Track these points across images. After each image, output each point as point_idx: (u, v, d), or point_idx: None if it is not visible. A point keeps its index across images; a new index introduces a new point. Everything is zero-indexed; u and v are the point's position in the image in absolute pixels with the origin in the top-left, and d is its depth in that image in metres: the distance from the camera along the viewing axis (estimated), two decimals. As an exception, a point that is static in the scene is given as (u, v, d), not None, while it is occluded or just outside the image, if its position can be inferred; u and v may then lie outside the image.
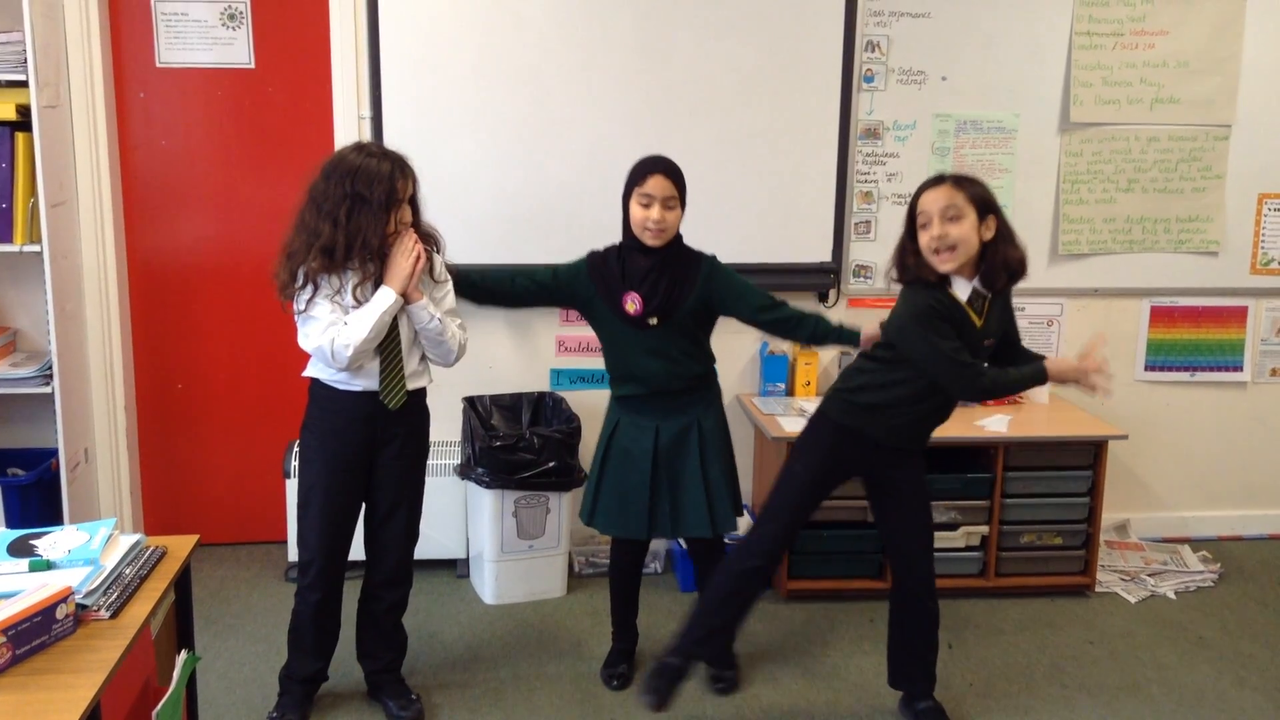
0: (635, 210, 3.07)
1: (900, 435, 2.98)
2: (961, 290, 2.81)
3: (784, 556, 3.07)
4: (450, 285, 3.07)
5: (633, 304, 3.09)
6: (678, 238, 3.12)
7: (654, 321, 3.09)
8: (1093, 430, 4.01)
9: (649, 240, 3.06)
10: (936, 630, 3.12)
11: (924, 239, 2.78)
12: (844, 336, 3.21)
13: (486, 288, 3.27)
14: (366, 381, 2.94)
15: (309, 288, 2.84)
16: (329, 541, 3.04)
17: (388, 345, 2.92)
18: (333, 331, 2.83)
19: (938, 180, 2.80)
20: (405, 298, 2.87)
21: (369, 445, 3.01)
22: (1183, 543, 4.50)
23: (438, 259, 3.02)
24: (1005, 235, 2.80)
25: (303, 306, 2.86)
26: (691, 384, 3.19)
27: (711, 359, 3.26)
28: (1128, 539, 4.49)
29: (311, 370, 3.00)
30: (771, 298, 3.18)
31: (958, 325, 2.79)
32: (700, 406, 3.20)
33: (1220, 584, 4.18)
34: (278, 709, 3.13)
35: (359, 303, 2.84)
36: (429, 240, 2.99)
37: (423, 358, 3.05)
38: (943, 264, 2.77)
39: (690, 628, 3.09)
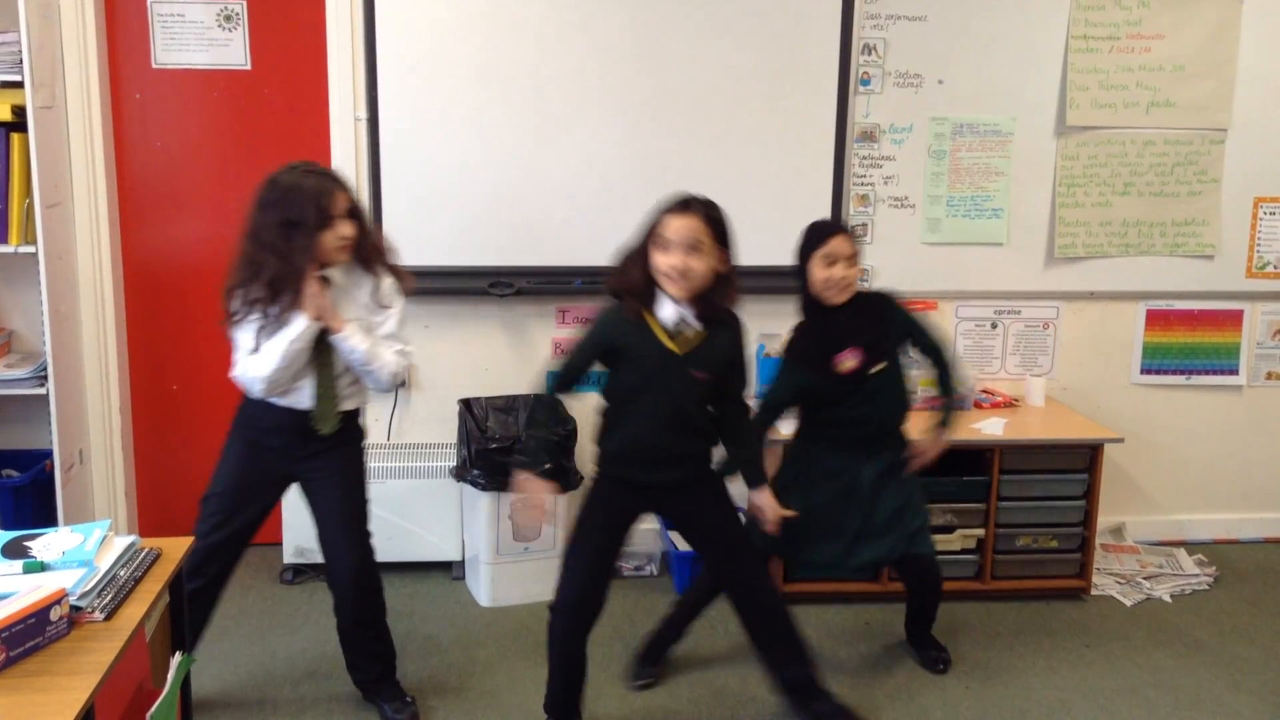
0: (818, 271, 3.13)
1: (648, 470, 2.91)
2: (662, 309, 2.78)
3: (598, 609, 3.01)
4: (396, 310, 3.01)
5: (852, 360, 3.12)
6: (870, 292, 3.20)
7: (882, 366, 3.15)
8: (1088, 433, 4.01)
9: (835, 297, 3.12)
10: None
11: (661, 262, 2.73)
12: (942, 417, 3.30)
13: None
14: (298, 400, 2.91)
15: (246, 314, 2.83)
16: (218, 538, 2.97)
17: (322, 370, 2.89)
18: (246, 361, 2.86)
19: (686, 206, 2.76)
20: (328, 327, 2.85)
21: (290, 461, 2.99)
22: (1178, 546, 4.51)
23: (386, 282, 2.98)
24: (731, 276, 2.81)
25: (233, 324, 2.86)
26: (905, 418, 3.27)
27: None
28: (1123, 542, 4.50)
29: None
30: (945, 343, 3.30)
31: (629, 343, 2.78)
32: (893, 437, 3.28)
33: (1216, 587, 4.18)
34: None
35: (289, 320, 2.82)
36: (379, 255, 2.95)
37: (354, 380, 3.00)
38: (676, 289, 2.74)
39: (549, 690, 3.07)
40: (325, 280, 2.85)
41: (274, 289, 2.77)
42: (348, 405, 3.00)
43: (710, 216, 2.76)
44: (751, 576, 3.06)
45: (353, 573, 3.06)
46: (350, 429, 3.06)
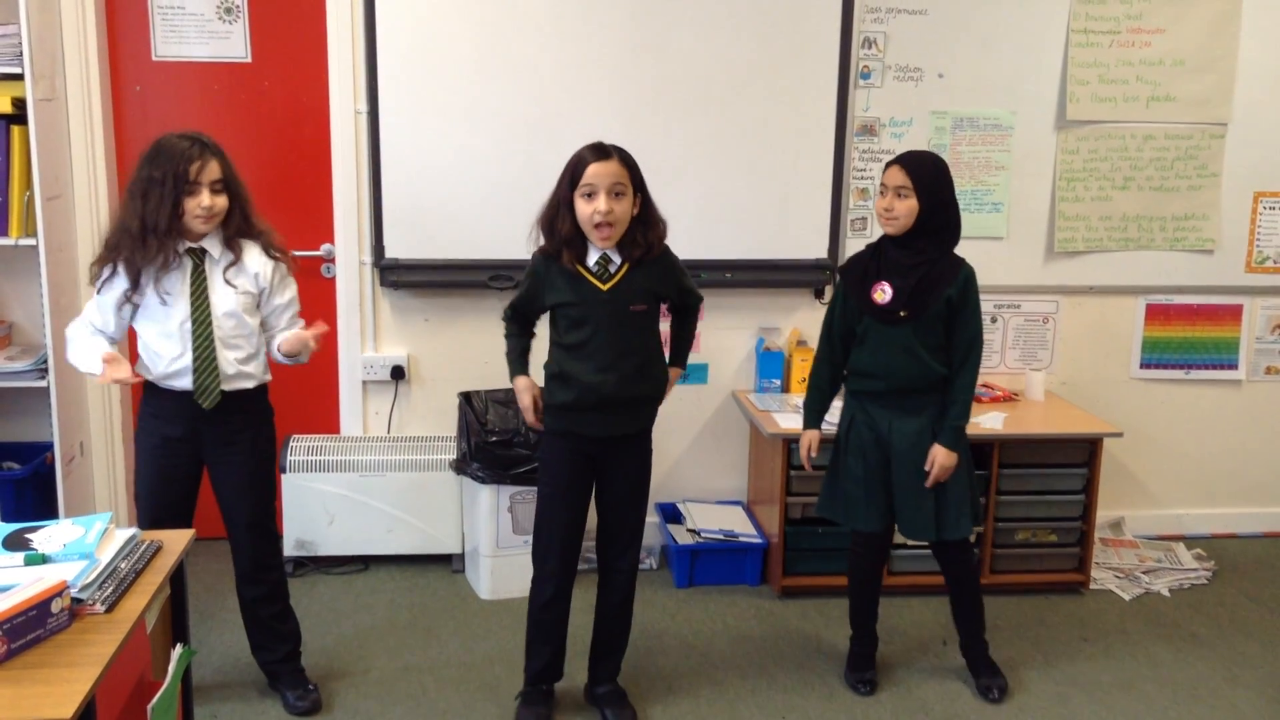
0: (877, 200, 3.19)
1: (606, 419, 2.96)
2: (590, 256, 2.89)
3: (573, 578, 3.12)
4: (292, 293, 3.07)
5: (881, 293, 3.10)
6: (932, 233, 3.09)
7: (903, 315, 3.09)
8: (1088, 428, 4.01)
9: (885, 227, 3.12)
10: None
11: (586, 210, 2.81)
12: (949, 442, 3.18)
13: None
14: (182, 382, 2.91)
15: (111, 274, 2.85)
16: (154, 515, 2.99)
17: (200, 346, 2.88)
18: (77, 329, 2.92)
19: (605, 152, 2.83)
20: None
21: (193, 439, 2.98)
22: (1177, 540, 4.52)
23: (270, 266, 2.99)
24: (649, 209, 2.92)
25: (96, 291, 2.90)
26: (933, 384, 3.15)
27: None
28: (1122, 536, 4.50)
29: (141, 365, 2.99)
30: (977, 343, 3.15)
31: (565, 289, 2.88)
32: (935, 409, 3.15)
33: (1214, 581, 4.19)
34: None
35: (160, 297, 2.85)
36: (252, 234, 2.95)
37: (248, 358, 2.97)
38: (603, 237, 2.83)
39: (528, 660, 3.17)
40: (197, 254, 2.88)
41: (125, 252, 2.80)
42: (235, 385, 2.95)
43: (626, 161, 2.85)
44: (626, 571, 3.13)
45: (252, 550, 3.10)
46: (255, 409, 3.05)
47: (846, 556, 3.37)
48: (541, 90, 3.99)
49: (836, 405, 3.35)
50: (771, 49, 4.05)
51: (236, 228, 2.91)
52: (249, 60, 4.00)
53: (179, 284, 2.87)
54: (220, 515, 3.10)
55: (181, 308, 2.87)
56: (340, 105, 3.98)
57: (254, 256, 2.96)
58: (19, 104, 3.48)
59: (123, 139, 4.01)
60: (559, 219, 2.86)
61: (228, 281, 2.91)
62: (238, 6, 3.95)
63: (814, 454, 3.31)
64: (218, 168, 2.84)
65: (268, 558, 3.16)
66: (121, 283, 2.84)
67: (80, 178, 3.87)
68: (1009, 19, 4.14)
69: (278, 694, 3.21)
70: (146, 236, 2.78)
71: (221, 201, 2.86)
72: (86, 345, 2.88)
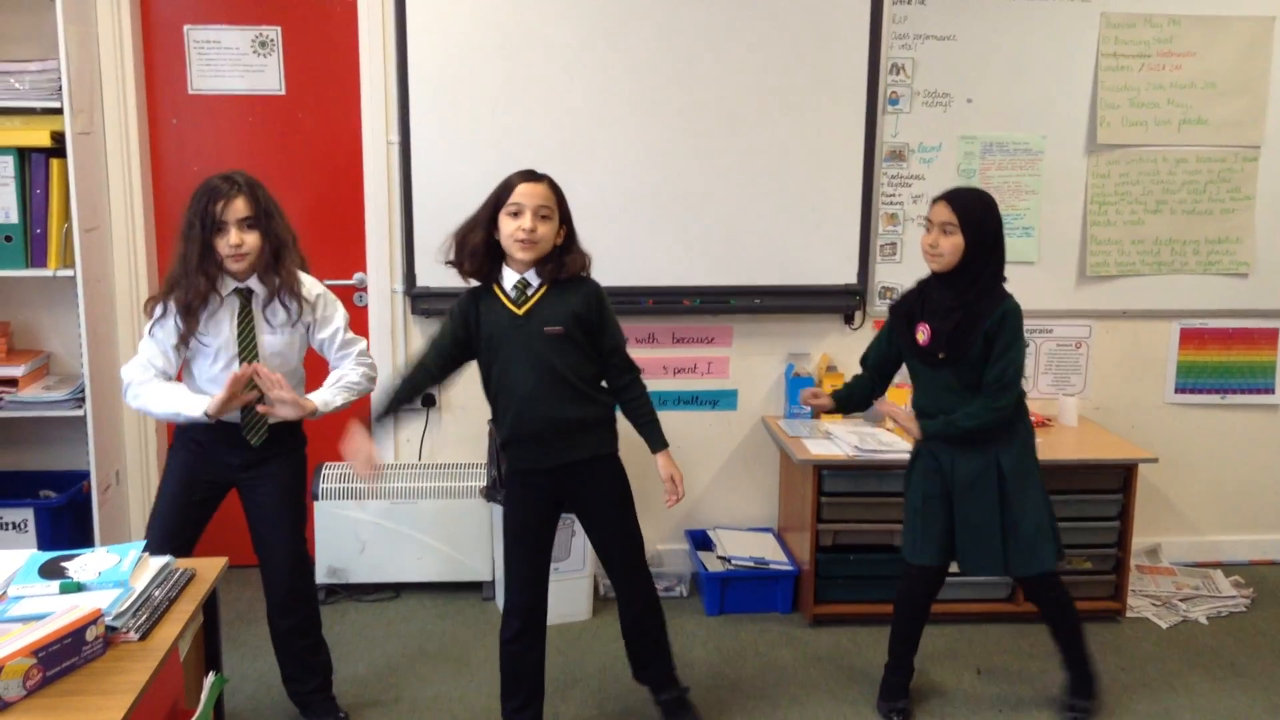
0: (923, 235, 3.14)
1: (544, 448, 2.94)
2: (507, 280, 2.89)
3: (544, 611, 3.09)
4: (339, 317, 3.04)
5: (922, 334, 3.11)
6: (977, 271, 3.06)
7: (942, 357, 3.08)
8: (1123, 453, 3.97)
9: (929, 264, 3.10)
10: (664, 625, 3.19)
11: (510, 226, 2.82)
12: (926, 426, 3.17)
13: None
14: (230, 418, 2.92)
15: (165, 317, 2.88)
16: (165, 534, 2.97)
17: (249, 387, 2.87)
18: (140, 373, 2.89)
19: (535, 175, 2.87)
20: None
21: (228, 470, 3.00)
22: (1215, 567, 4.45)
23: (315, 295, 3.00)
24: (572, 243, 2.94)
25: (145, 330, 2.92)
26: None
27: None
28: (1159, 563, 4.44)
29: None
30: (999, 384, 3.06)
31: (480, 317, 2.88)
32: (997, 444, 3.12)
33: (1253, 609, 4.13)
34: None
35: (209, 336, 2.88)
36: (283, 271, 2.92)
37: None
38: (524, 254, 2.84)
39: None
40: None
41: (176, 293, 2.84)
42: (287, 417, 2.96)
43: (555, 188, 2.88)
44: (639, 577, 3.11)
45: (288, 580, 3.09)
46: (288, 438, 3.06)
47: (896, 585, 3.35)
48: (570, 119, 4.02)
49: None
50: (799, 75, 4.06)
51: (265, 265, 2.91)
52: (283, 93, 4.05)
53: (226, 324, 2.91)
54: (251, 544, 3.11)
55: (230, 347, 2.91)
56: (372, 136, 4.03)
57: (287, 296, 2.96)
58: (58, 138, 3.55)
59: (159, 171, 4.07)
60: (472, 233, 2.88)
61: (267, 321, 2.94)
62: (272, 40, 4.01)
63: (811, 401, 3.36)
64: (245, 205, 2.84)
65: (302, 587, 3.16)
66: (173, 322, 2.87)
67: (118, 210, 3.94)
68: (1038, 43, 4.14)
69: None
70: (190, 276, 2.82)
71: (252, 239, 2.86)
72: (169, 390, 2.89)
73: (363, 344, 3.11)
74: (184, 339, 2.88)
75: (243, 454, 2.99)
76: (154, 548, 2.78)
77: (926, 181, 4.19)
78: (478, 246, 2.87)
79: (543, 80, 3.98)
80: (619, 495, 3.05)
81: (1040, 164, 4.22)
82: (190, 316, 2.85)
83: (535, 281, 2.89)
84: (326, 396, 2.98)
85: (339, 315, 3.06)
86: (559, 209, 2.89)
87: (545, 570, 3.05)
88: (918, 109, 4.15)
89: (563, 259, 2.90)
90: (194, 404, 2.85)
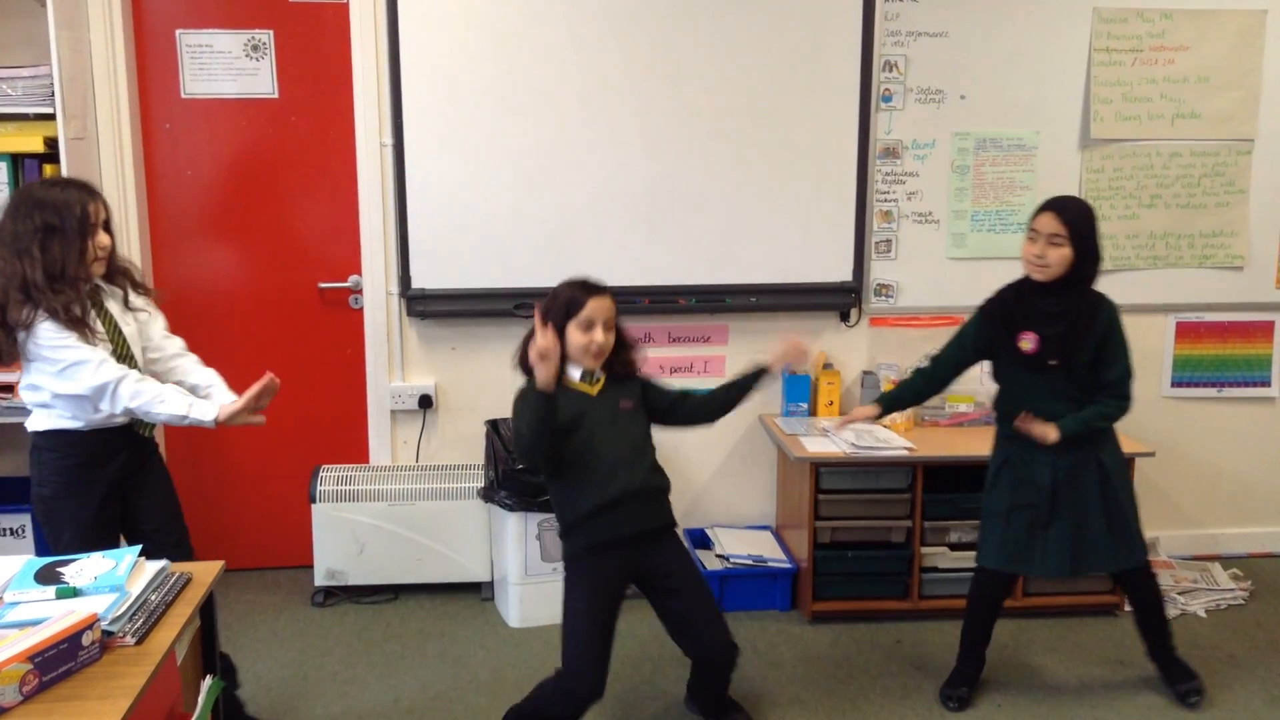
0: (1024, 247, 3.15)
1: (632, 514, 2.95)
2: (572, 371, 2.95)
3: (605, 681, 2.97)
4: (160, 318, 3.01)
5: (1027, 343, 3.11)
6: (1078, 280, 3.09)
7: (1053, 364, 3.10)
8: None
9: (1033, 274, 3.11)
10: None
11: (582, 339, 2.89)
12: (1065, 425, 3.18)
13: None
14: (119, 418, 2.83)
15: (66, 332, 2.69)
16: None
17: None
18: (116, 369, 2.72)
19: (600, 289, 2.92)
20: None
21: (122, 481, 2.90)
22: (1213, 560, 4.46)
23: (133, 293, 2.93)
24: (624, 338, 3.02)
25: (67, 358, 2.69)
26: None
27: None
28: (1157, 557, 4.44)
29: (49, 423, 2.81)
30: (1123, 382, 3.14)
31: (554, 407, 2.82)
32: (1097, 441, 3.17)
33: (1251, 601, 4.13)
34: None
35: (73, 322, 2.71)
36: (125, 274, 2.89)
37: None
38: (595, 363, 2.94)
39: None
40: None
41: (25, 295, 2.66)
42: None
43: (614, 296, 2.98)
44: (718, 632, 3.06)
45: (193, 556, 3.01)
46: (151, 429, 2.99)
47: (970, 585, 3.40)
48: (564, 121, 4.02)
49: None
50: (792, 74, 4.07)
51: (114, 264, 2.87)
52: (276, 96, 4.05)
53: (95, 323, 2.78)
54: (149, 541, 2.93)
55: (106, 345, 2.79)
56: (366, 139, 4.03)
57: (127, 287, 2.93)
58: (51, 143, 3.55)
59: (153, 176, 4.07)
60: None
61: (125, 312, 2.89)
62: (264, 44, 4.01)
63: (856, 418, 3.40)
64: (104, 207, 2.81)
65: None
66: (73, 324, 2.72)
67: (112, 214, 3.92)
68: (1030, 39, 4.14)
69: None
70: (52, 285, 2.68)
71: (109, 239, 2.82)
72: (172, 391, 2.79)
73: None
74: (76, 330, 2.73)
75: (136, 452, 2.91)
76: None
77: (921, 178, 4.20)
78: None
79: (536, 80, 3.98)
80: (687, 557, 3.11)
81: (1034, 159, 4.23)
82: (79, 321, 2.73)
83: (595, 371, 2.99)
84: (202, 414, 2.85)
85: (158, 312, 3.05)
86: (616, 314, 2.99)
87: (609, 653, 2.99)
88: (911, 106, 4.16)
89: (622, 357, 3.01)
90: (206, 409, 2.78)
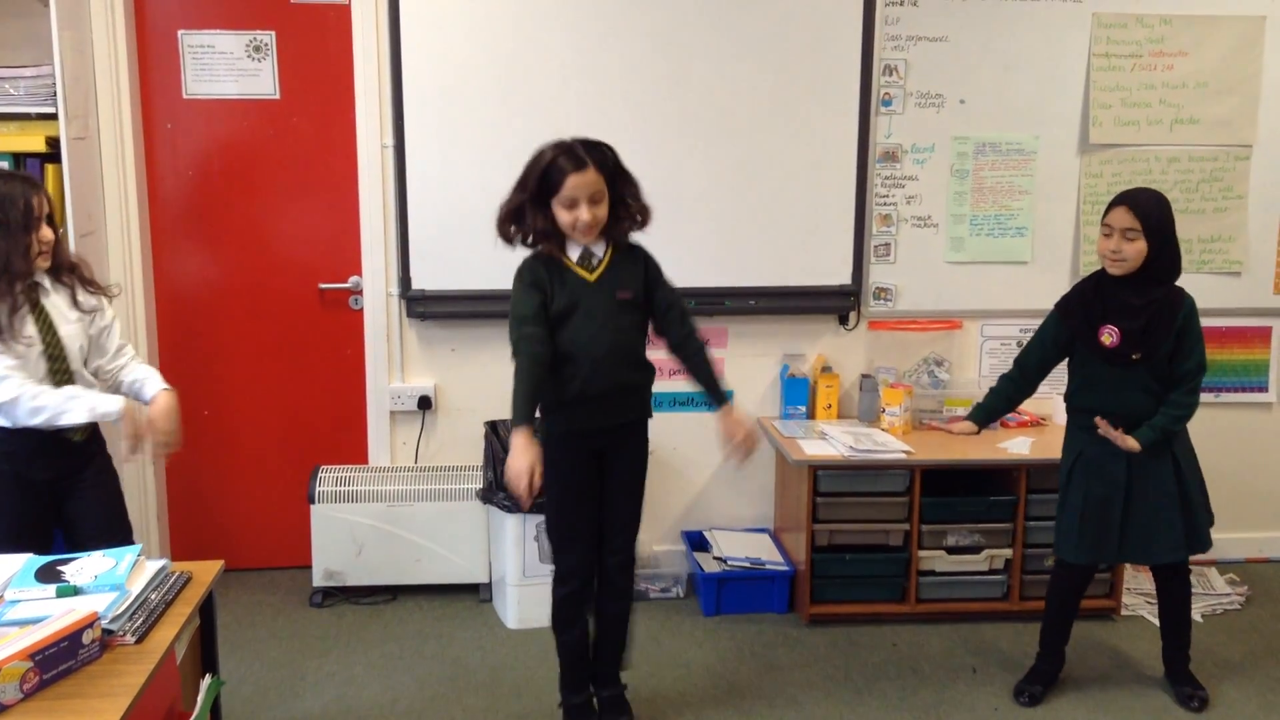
0: (1099, 242, 3.17)
1: (605, 409, 2.97)
2: (572, 250, 2.91)
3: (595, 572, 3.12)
4: (113, 313, 2.94)
5: (1109, 337, 3.13)
6: (1157, 272, 3.12)
7: (1136, 357, 3.12)
8: (1116, 452, 3.98)
9: (1110, 269, 3.14)
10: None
11: (567, 218, 2.82)
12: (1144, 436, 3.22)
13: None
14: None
15: None
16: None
17: (60, 378, 2.76)
18: (24, 385, 2.64)
19: (581, 162, 2.80)
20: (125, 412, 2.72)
21: (57, 484, 2.83)
22: (1209, 565, 4.46)
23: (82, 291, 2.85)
24: (630, 194, 2.91)
25: None
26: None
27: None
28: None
29: None
30: (1195, 375, 3.19)
31: (553, 283, 2.87)
32: (1177, 438, 3.22)
33: (1247, 607, 4.14)
34: None
35: (8, 338, 2.65)
36: (74, 270, 2.82)
37: (98, 387, 2.88)
38: (587, 237, 2.87)
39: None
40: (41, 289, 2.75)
41: None
42: None
43: (601, 165, 2.84)
44: (629, 550, 3.13)
45: None
46: (98, 432, 2.94)
47: (1049, 581, 3.47)
48: (565, 122, 4.00)
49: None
50: (792, 78, 4.08)
51: (58, 257, 2.81)
52: (278, 97, 4.06)
53: (26, 321, 2.72)
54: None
55: (34, 345, 2.72)
56: (367, 140, 4.03)
57: (76, 284, 2.86)
58: (53, 143, 3.55)
59: (154, 176, 4.08)
60: (530, 216, 2.86)
61: (71, 309, 2.82)
62: (266, 45, 4.02)
63: (950, 429, 3.47)
64: (47, 200, 2.76)
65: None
66: None
67: (113, 215, 3.94)
68: (1030, 44, 4.15)
69: None
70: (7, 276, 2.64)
71: (51, 233, 2.76)
72: (73, 392, 2.71)
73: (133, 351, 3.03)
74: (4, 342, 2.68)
75: (69, 459, 2.83)
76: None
77: (920, 182, 4.21)
78: (547, 228, 2.86)
79: (537, 83, 3.99)
80: (642, 458, 3.12)
81: (1033, 164, 4.24)
82: (10, 320, 2.67)
83: (599, 251, 2.92)
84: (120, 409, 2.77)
85: (112, 310, 2.98)
86: (608, 180, 2.86)
87: (596, 528, 3.07)
88: (911, 110, 4.17)
89: (619, 228, 2.91)
90: (110, 402, 2.70)
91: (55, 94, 3.51)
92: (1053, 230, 4.28)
